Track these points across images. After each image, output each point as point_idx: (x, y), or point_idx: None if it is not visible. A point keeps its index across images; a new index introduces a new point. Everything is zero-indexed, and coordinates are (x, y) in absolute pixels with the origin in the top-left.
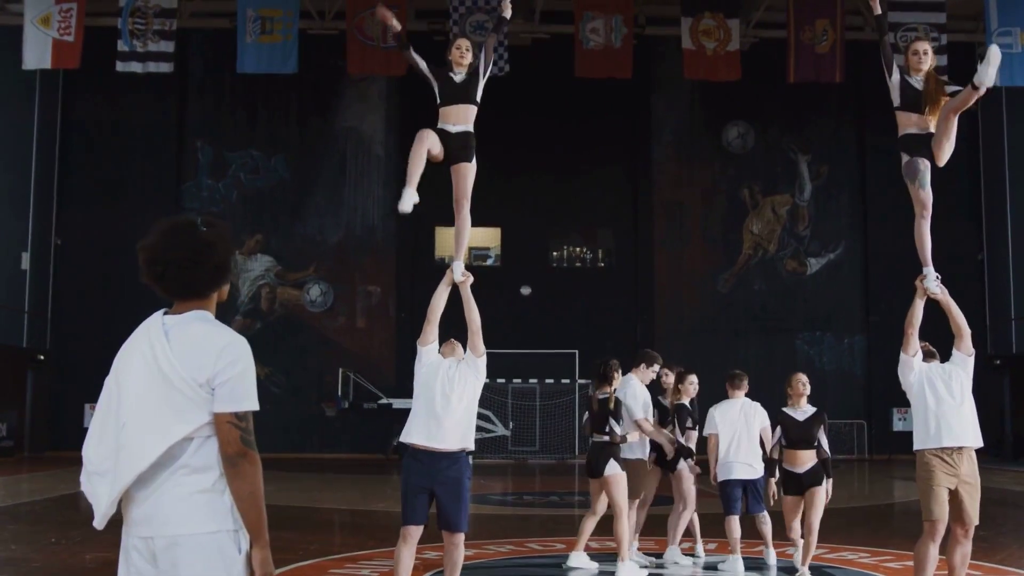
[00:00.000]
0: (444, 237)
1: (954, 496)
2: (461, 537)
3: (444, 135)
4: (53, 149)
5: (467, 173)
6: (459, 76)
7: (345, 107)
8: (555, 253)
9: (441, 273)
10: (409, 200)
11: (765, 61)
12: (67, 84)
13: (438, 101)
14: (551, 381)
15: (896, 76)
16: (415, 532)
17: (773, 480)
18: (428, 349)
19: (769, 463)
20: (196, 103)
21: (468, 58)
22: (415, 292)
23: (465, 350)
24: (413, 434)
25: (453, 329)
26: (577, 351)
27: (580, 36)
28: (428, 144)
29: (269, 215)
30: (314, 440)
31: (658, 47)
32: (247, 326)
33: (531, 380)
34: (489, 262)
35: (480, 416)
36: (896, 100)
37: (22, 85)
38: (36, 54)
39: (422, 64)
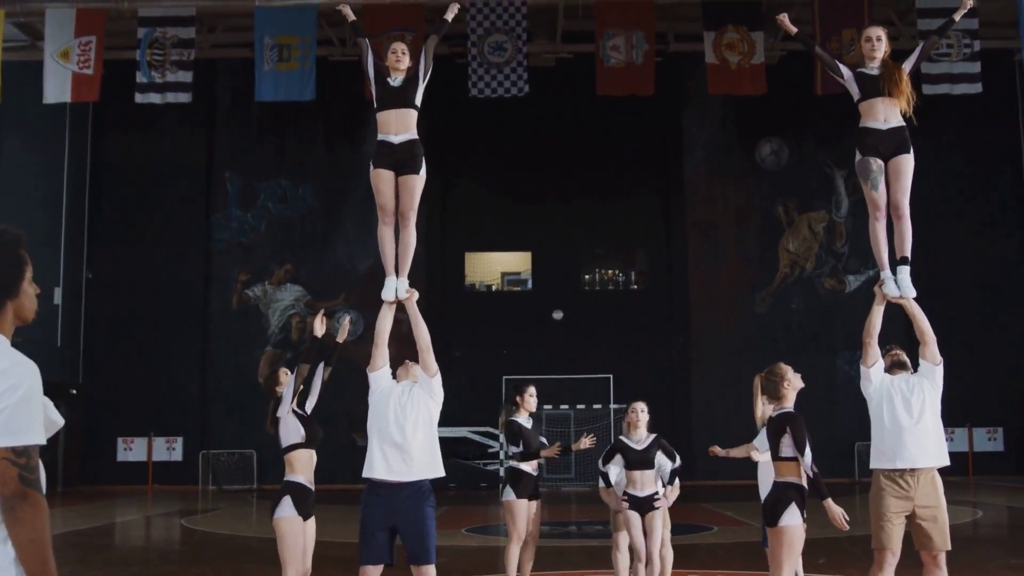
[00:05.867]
0: (475, 263)
1: (916, 523)
2: (431, 569)
3: (388, 147)
4: (83, 184)
5: (414, 185)
6: (396, 81)
7: (372, 134)
8: (587, 276)
9: (471, 298)
10: (392, 288)
11: (795, 74)
12: (96, 119)
13: (375, 106)
14: (583, 407)
15: (847, 72)
16: (373, 572)
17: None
18: (377, 375)
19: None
20: (224, 134)
21: (405, 62)
22: (446, 318)
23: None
24: (371, 467)
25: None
26: (611, 375)
27: (601, 54)
28: (388, 222)
29: (298, 244)
30: (346, 471)
31: (686, 64)
32: (277, 356)
33: (563, 406)
34: (528, 286)
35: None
36: (856, 93)
37: (52, 121)
38: (56, 88)
39: (369, 61)
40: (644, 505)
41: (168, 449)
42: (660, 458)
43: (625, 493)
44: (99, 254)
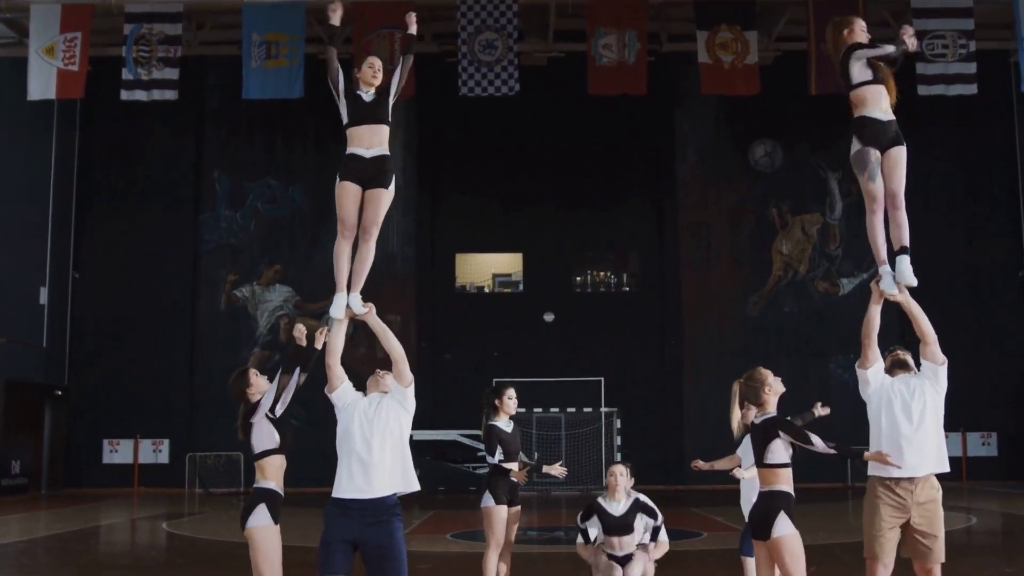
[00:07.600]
0: (464, 264)
1: (912, 534)
2: None
3: (358, 160)
4: (71, 183)
5: (381, 199)
6: (368, 95)
7: None
8: (578, 278)
9: (461, 300)
10: (341, 305)
11: (790, 75)
12: (84, 117)
13: (345, 121)
14: (573, 410)
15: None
16: None
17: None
18: (338, 394)
19: None
20: (213, 133)
21: (379, 78)
22: (436, 320)
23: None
24: (339, 487)
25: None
26: (602, 379)
27: (593, 52)
28: (347, 236)
29: (287, 245)
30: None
31: (680, 64)
32: (265, 358)
33: (553, 409)
34: (519, 288)
35: None
36: (856, 79)
37: (40, 119)
38: (41, 84)
39: (339, 74)
40: (623, 562)
41: (154, 451)
42: (641, 519)
43: (604, 553)
44: (86, 254)
